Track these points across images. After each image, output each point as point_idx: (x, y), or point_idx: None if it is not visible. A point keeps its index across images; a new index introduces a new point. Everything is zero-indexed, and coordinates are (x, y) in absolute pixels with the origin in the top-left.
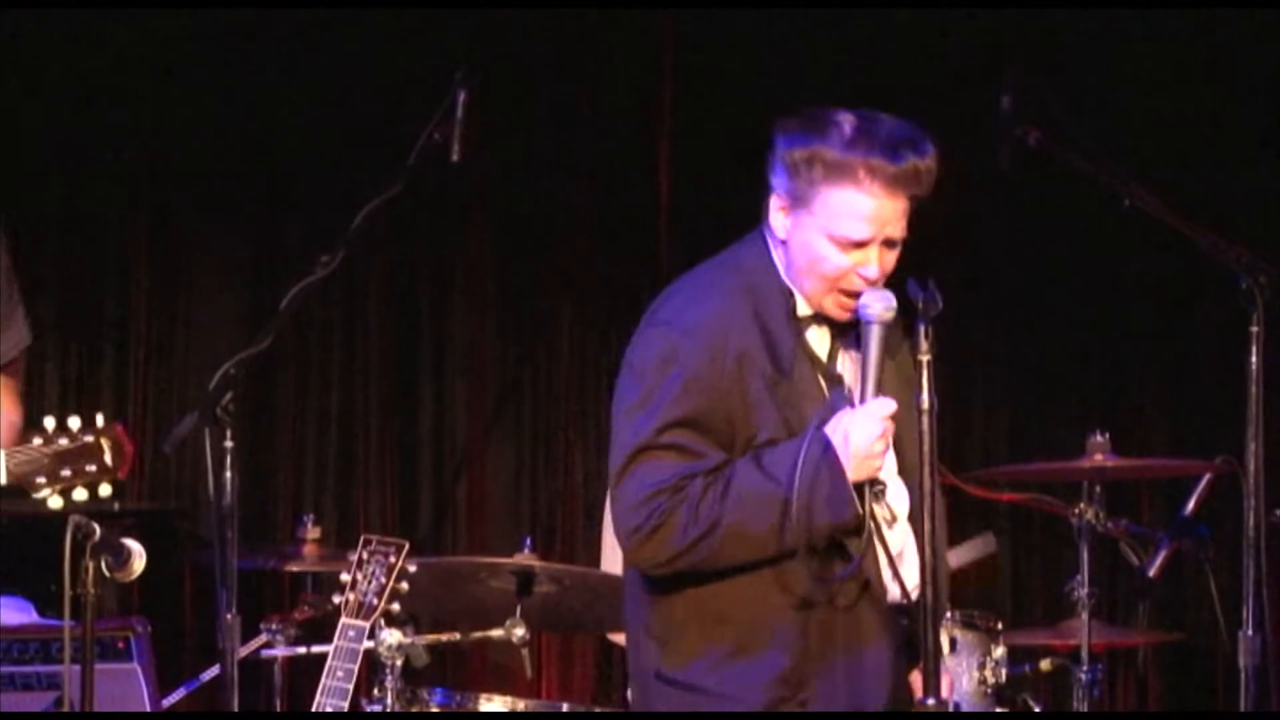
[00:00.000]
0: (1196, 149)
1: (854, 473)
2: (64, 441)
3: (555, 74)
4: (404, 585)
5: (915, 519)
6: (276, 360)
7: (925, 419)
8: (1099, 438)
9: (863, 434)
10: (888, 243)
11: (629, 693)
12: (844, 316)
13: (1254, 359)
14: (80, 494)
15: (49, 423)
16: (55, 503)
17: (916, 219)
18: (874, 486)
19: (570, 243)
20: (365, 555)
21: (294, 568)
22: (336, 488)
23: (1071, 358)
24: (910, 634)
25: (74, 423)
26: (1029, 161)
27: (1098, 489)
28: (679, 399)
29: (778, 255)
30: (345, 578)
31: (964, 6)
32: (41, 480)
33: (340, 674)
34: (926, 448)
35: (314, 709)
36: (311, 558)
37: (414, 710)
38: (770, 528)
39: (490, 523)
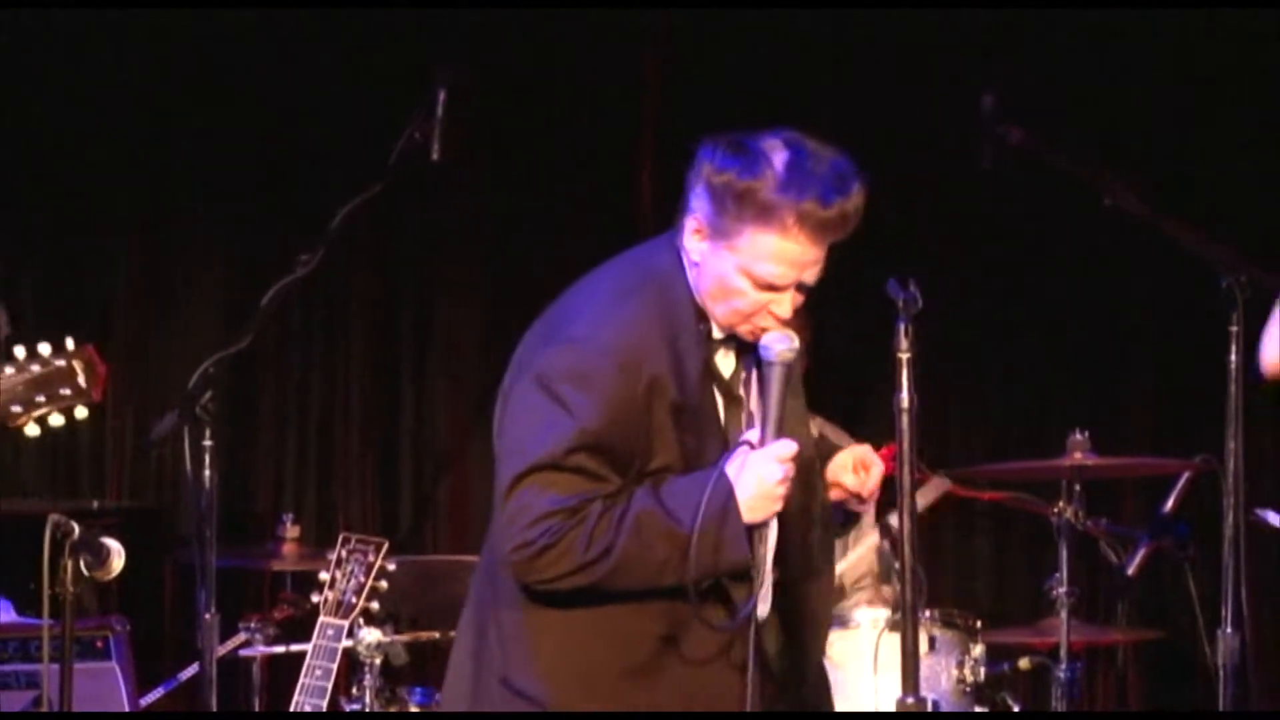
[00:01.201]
0: (1179, 146)
1: (749, 515)
2: (36, 368)
3: (538, 74)
4: (383, 584)
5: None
6: (257, 359)
7: (904, 418)
8: (1079, 436)
9: (763, 477)
10: (803, 287)
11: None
12: (755, 340)
13: (1234, 358)
14: (57, 419)
15: (19, 351)
16: (33, 430)
17: (897, 218)
18: (761, 529)
19: (552, 243)
20: (344, 554)
21: (273, 566)
22: (316, 486)
23: (1052, 356)
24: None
25: (44, 348)
26: (1010, 158)
27: (1077, 488)
28: (589, 422)
29: (690, 274)
30: (324, 576)
31: (947, 6)
32: (17, 409)
33: (319, 673)
34: (906, 447)
35: (293, 708)
36: (291, 556)
37: (393, 710)
38: (663, 562)
39: (470, 521)
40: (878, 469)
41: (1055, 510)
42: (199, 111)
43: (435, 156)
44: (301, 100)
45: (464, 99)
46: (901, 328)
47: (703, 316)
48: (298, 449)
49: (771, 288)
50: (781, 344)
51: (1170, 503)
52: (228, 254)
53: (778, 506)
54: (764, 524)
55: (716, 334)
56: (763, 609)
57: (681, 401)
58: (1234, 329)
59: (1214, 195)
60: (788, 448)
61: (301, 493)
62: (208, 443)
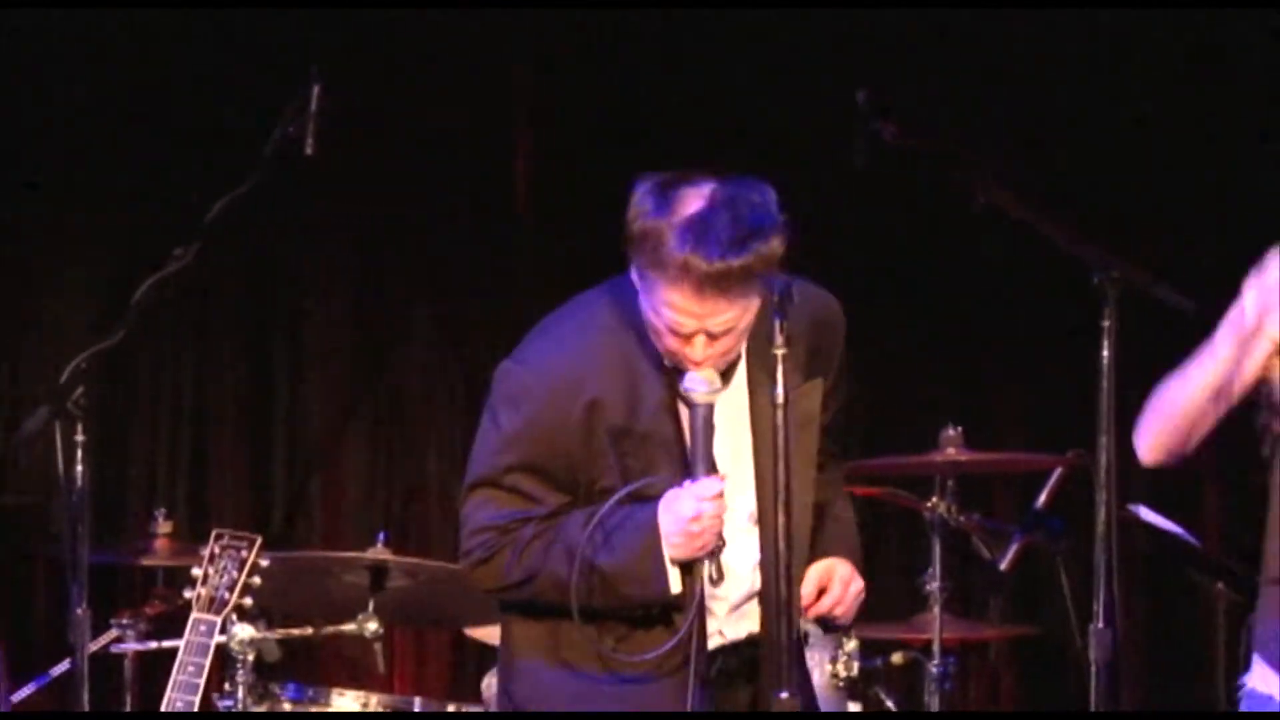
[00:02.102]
0: (1055, 144)
1: (674, 551)
2: None
3: (412, 68)
4: (256, 580)
5: (768, 551)
6: (129, 354)
7: (779, 413)
8: (952, 432)
9: (680, 515)
10: (715, 335)
11: (484, 682)
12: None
13: (1105, 354)
14: None
15: None
16: None
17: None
18: (712, 556)
19: (425, 240)
20: (217, 550)
21: (145, 562)
22: (189, 482)
23: (925, 351)
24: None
25: None
26: (884, 155)
27: (951, 483)
28: (519, 443)
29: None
30: (197, 572)
31: (820, 6)
32: None
33: (191, 669)
34: (780, 442)
35: (165, 704)
36: (163, 552)
37: (265, 707)
38: (589, 591)
39: (344, 517)
40: (835, 588)
41: (928, 505)
42: (70, 104)
43: (309, 151)
44: (175, 94)
45: (338, 94)
46: (777, 324)
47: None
48: (170, 445)
49: (673, 333)
50: (699, 387)
51: (1043, 498)
52: (99, 249)
53: (699, 543)
54: (701, 560)
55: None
56: (733, 630)
57: (628, 426)
58: (1106, 324)
59: (1088, 194)
60: (708, 487)
61: (174, 488)
62: (80, 438)
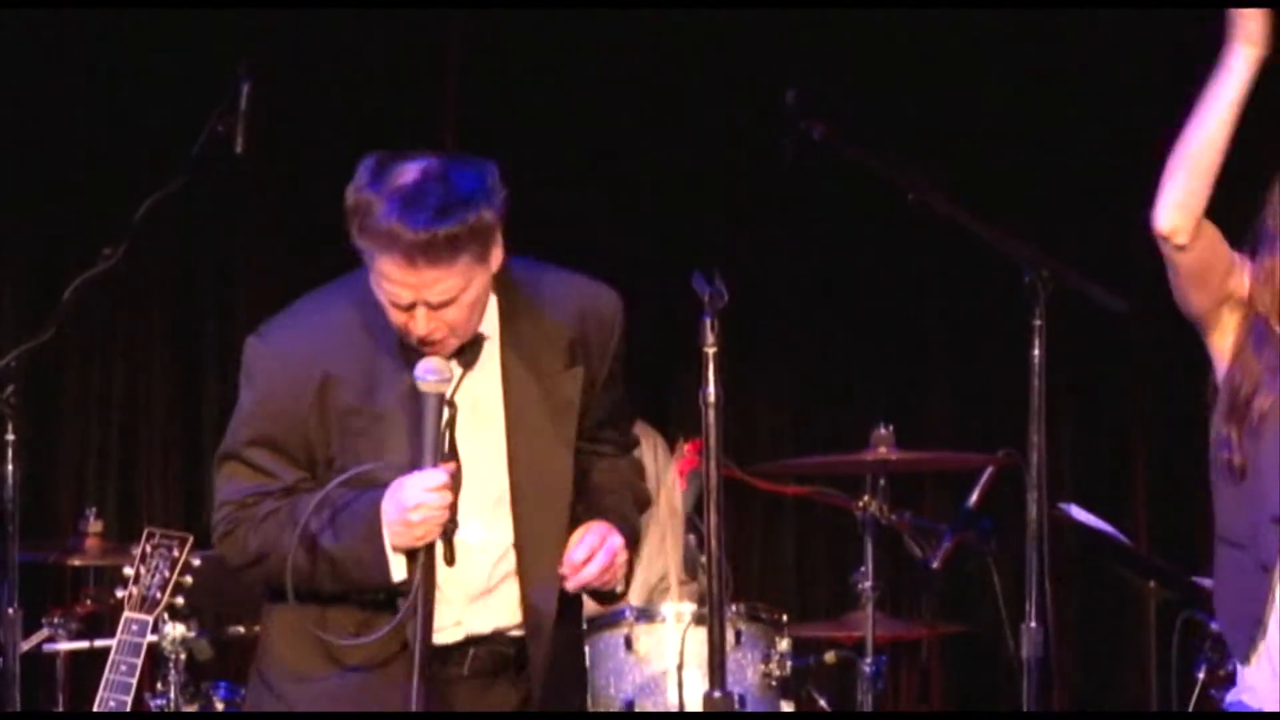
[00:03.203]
0: (982, 144)
1: (394, 539)
2: None
3: (341, 62)
4: (187, 579)
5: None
6: (59, 352)
7: (710, 412)
8: (883, 431)
9: (401, 503)
10: (437, 305)
11: None
12: (433, 354)
13: (1036, 352)
14: None
15: None
16: None
17: (699, 208)
18: (420, 552)
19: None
20: (148, 549)
21: (76, 561)
22: (119, 481)
23: (856, 351)
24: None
25: None
26: (813, 154)
27: (882, 482)
28: (256, 418)
29: None
30: (128, 571)
31: (752, 6)
32: None
33: (123, 668)
34: (712, 441)
35: (97, 704)
36: (94, 551)
37: (196, 707)
38: (312, 574)
39: None
40: (591, 538)
41: (860, 504)
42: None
43: (239, 149)
44: (104, 92)
45: (267, 92)
46: (707, 322)
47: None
48: (100, 443)
49: (394, 305)
50: (430, 375)
51: (974, 497)
52: (28, 247)
53: (418, 533)
54: (420, 550)
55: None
56: (478, 621)
57: (360, 405)
58: (1037, 323)
59: (1014, 192)
60: (432, 478)
61: (104, 487)
62: (9, 437)
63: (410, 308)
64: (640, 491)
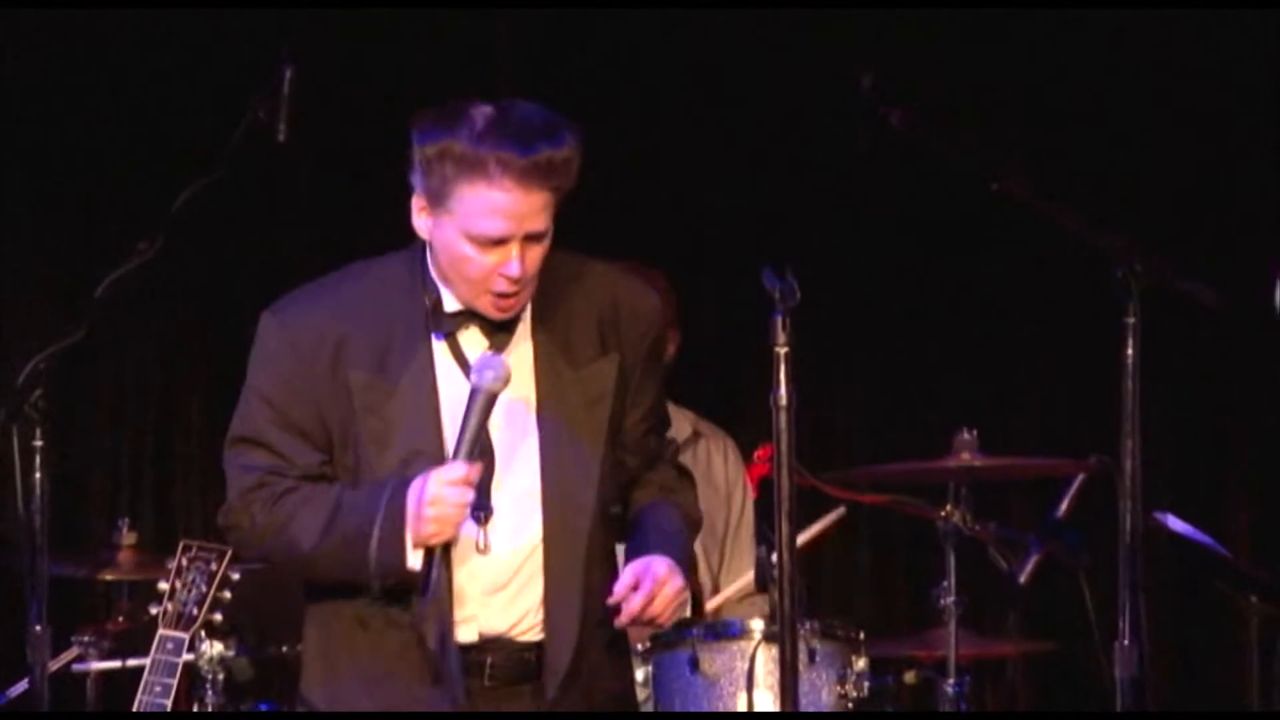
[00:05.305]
0: (1073, 134)
1: (414, 532)
2: None
3: (391, 46)
4: (226, 594)
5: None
6: (91, 353)
7: (782, 416)
8: (966, 435)
9: (420, 496)
10: (531, 237)
11: None
12: (501, 315)
13: (1129, 351)
14: None
15: None
16: None
17: (770, 201)
18: (479, 514)
19: (403, 234)
20: (185, 562)
21: (108, 575)
22: (154, 489)
23: (937, 350)
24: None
25: None
26: (891, 144)
27: (964, 490)
28: (270, 395)
29: (429, 260)
30: (163, 586)
31: None
32: None
33: (158, 689)
34: (784, 446)
35: None
36: (127, 565)
37: None
38: (335, 563)
39: None
40: (646, 584)
41: (941, 514)
42: (36, 92)
43: (281, 138)
44: (140, 78)
45: (312, 77)
46: (778, 321)
47: (430, 292)
48: (134, 450)
49: (494, 243)
50: (490, 371)
51: (1063, 506)
52: (57, 242)
53: (432, 529)
54: (436, 547)
55: (450, 304)
56: (494, 619)
57: (374, 380)
58: (1130, 320)
59: (1106, 185)
60: (453, 471)
61: (138, 496)
62: (38, 443)
63: (503, 244)
64: (691, 510)
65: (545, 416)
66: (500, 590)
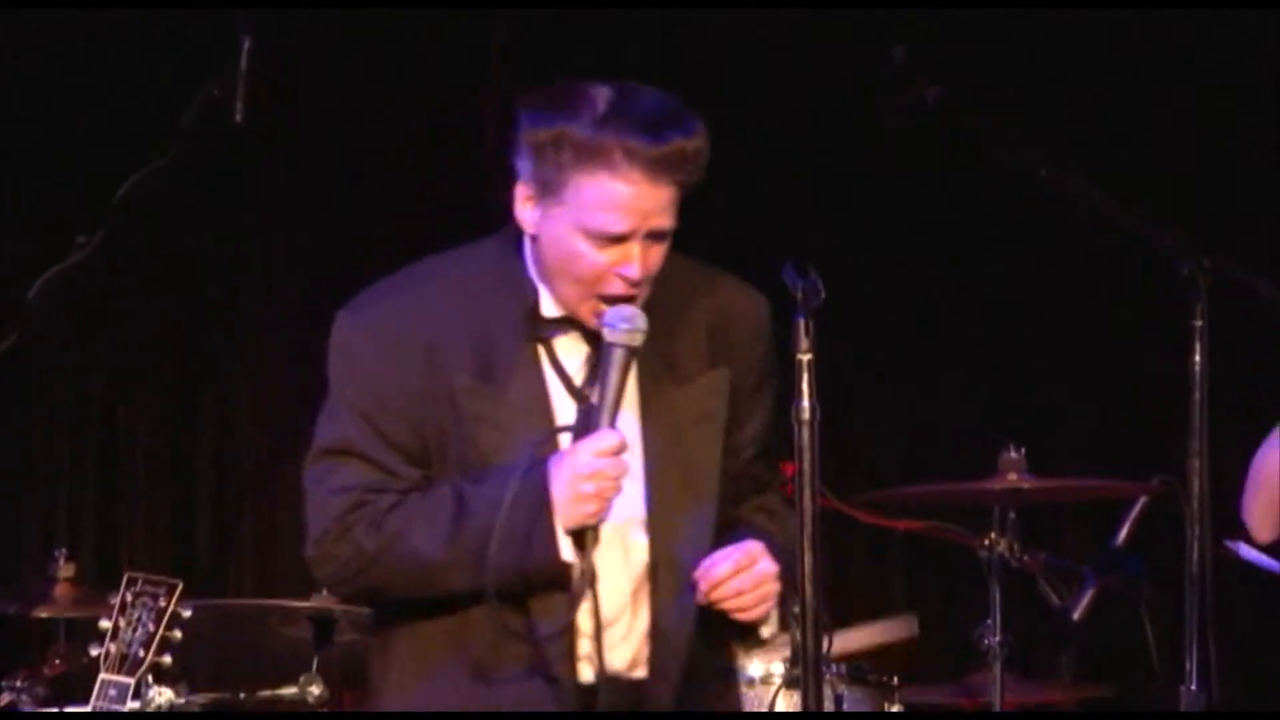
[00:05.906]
0: (1124, 128)
1: (563, 515)
2: None
3: (361, 19)
4: (176, 633)
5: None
6: (24, 363)
7: (805, 430)
8: (1012, 454)
9: (576, 469)
10: (653, 235)
11: None
12: (597, 325)
13: (1197, 359)
14: None
15: None
16: None
17: (794, 201)
18: (589, 533)
19: (382, 227)
20: (130, 597)
21: (43, 613)
22: (96, 516)
23: (981, 360)
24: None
25: None
26: (929, 138)
27: (1011, 515)
28: (355, 404)
29: (528, 252)
30: (105, 624)
31: None
32: None
33: None
34: (807, 464)
35: None
36: (65, 600)
37: None
38: (449, 561)
39: (279, 558)
40: (735, 556)
41: (985, 542)
42: None
43: (238, 118)
44: (80, 53)
45: (273, 50)
46: (800, 324)
47: (530, 291)
48: (73, 472)
49: (613, 240)
50: (625, 323)
51: (1122, 533)
52: None
53: (590, 508)
54: (591, 529)
55: (549, 309)
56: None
57: (477, 385)
58: (1197, 324)
59: (1160, 180)
60: (605, 440)
61: (77, 524)
62: None
63: (622, 241)
64: (793, 539)
65: (650, 436)
66: (612, 625)
